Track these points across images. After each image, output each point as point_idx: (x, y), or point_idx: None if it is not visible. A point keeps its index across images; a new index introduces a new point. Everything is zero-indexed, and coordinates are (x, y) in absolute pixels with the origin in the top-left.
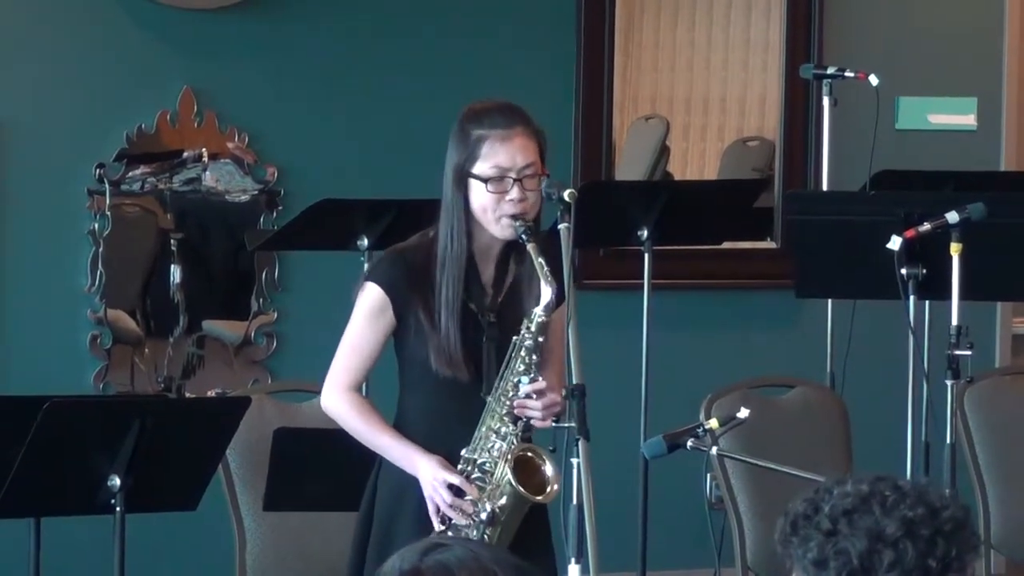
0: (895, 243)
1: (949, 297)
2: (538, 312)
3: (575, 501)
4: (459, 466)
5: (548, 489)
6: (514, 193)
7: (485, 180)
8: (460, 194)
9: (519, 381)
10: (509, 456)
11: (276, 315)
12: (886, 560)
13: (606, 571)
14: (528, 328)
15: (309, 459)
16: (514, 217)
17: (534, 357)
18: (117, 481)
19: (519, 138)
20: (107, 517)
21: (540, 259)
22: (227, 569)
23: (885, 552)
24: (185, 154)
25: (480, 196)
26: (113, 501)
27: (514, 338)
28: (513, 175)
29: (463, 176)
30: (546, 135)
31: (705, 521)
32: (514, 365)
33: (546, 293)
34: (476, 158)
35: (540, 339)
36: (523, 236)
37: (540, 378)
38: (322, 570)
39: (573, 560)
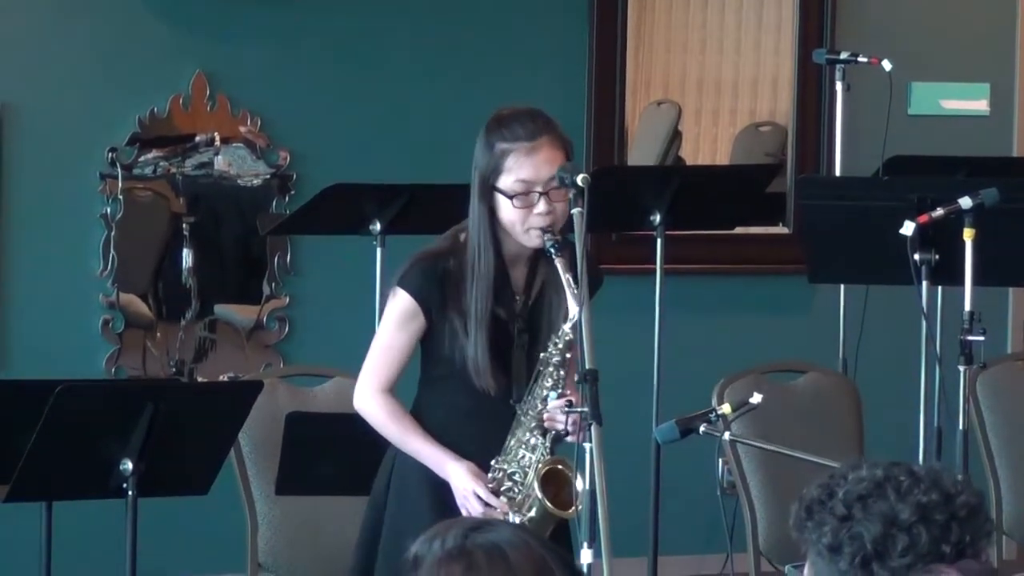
0: (908, 228)
1: (962, 283)
2: (566, 330)
3: (587, 486)
4: (489, 474)
5: (574, 507)
6: (541, 207)
7: (511, 196)
8: (485, 207)
9: (547, 396)
10: (539, 468)
11: (288, 299)
12: (900, 545)
13: (618, 556)
14: (556, 345)
15: (321, 443)
16: (543, 229)
17: (561, 372)
18: (129, 465)
19: (544, 150)
20: (119, 501)
21: (567, 275)
22: (239, 553)
23: (899, 537)
24: (197, 138)
25: (507, 210)
26: (125, 485)
27: (542, 354)
28: (539, 188)
29: (488, 189)
30: (571, 141)
31: (717, 506)
32: (542, 381)
33: (573, 309)
34: (500, 172)
35: (568, 355)
36: (551, 250)
37: (568, 392)
38: (334, 554)
39: (586, 544)
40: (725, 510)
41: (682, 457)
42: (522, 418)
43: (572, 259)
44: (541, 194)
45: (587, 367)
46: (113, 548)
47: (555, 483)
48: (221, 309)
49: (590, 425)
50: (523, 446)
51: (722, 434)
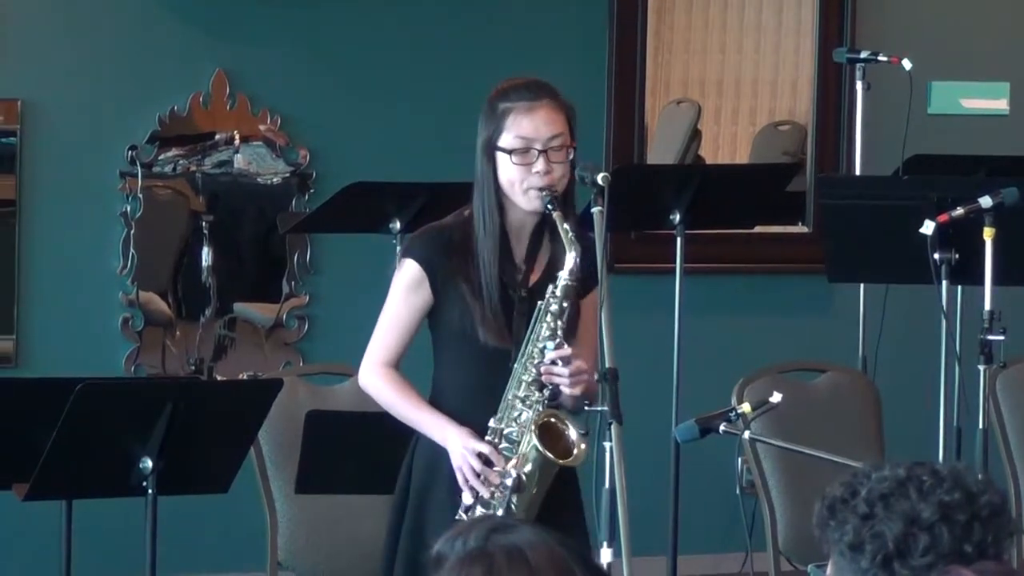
0: (928, 228)
1: (982, 282)
2: (563, 276)
3: (607, 485)
4: (486, 436)
5: (574, 452)
6: (539, 165)
7: (510, 152)
8: (490, 169)
9: (544, 347)
10: (534, 423)
11: (308, 298)
12: (921, 544)
13: (638, 555)
14: (553, 293)
15: (341, 442)
16: (541, 189)
17: (559, 323)
18: (149, 463)
19: (544, 110)
20: (139, 499)
21: (565, 225)
22: (258, 551)
23: (921, 536)
24: (217, 136)
25: (507, 169)
26: (145, 483)
27: (539, 303)
28: (538, 146)
29: (491, 150)
30: (575, 109)
31: (737, 505)
32: (539, 330)
33: (570, 258)
34: (502, 131)
35: (565, 304)
36: (549, 206)
37: (565, 344)
38: (353, 552)
39: (605, 543)
40: (744, 509)
41: (702, 456)
42: (519, 373)
43: (572, 216)
44: (540, 152)
45: (607, 366)
46: (133, 546)
47: (551, 435)
48: (240, 307)
49: (610, 424)
50: (519, 401)
51: (742, 433)
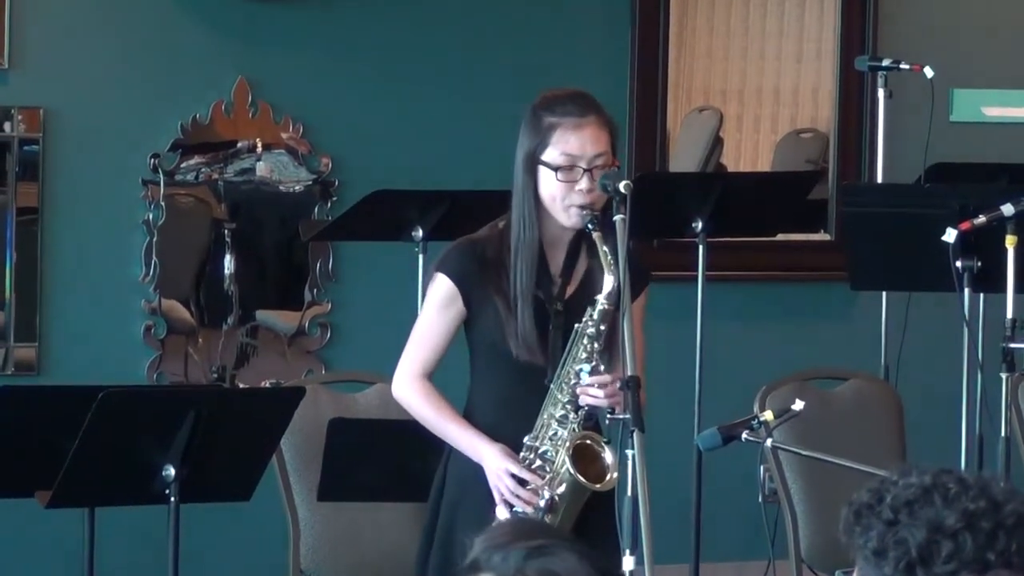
0: (950, 236)
1: (1004, 290)
2: (601, 300)
3: (630, 493)
4: (521, 453)
5: (607, 477)
6: (583, 183)
7: (555, 168)
8: (530, 181)
9: (580, 370)
10: (568, 444)
11: (330, 305)
12: (944, 551)
13: (660, 563)
14: (591, 316)
15: (364, 449)
16: (582, 207)
17: (596, 345)
18: (172, 471)
19: (591, 127)
20: (161, 507)
21: (605, 248)
22: (281, 559)
23: (944, 543)
24: (239, 144)
25: (549, 184)
26: (167, 491)
27: (576, 325)
28: (583, 164)
29: (533, 163)
30: (617, 124)
31: (759, 513)
32: (576, 353)
33: (609, 282)
34: (546, 145)
35: (602, 327)
36: (589, 225)
37: (602, 367)
38: (376, 560)
39: (628, 551)
40: (767, 517)
41: (724, 464)
42: (555, 393)
43: (611, 237)
44: (585, 170)
45: (629, 373)
46: (155, 554)
47: (585, 458)
48: (263, 315)
49: (632, 432)
50: (555, 421)
51: (764, 441)
